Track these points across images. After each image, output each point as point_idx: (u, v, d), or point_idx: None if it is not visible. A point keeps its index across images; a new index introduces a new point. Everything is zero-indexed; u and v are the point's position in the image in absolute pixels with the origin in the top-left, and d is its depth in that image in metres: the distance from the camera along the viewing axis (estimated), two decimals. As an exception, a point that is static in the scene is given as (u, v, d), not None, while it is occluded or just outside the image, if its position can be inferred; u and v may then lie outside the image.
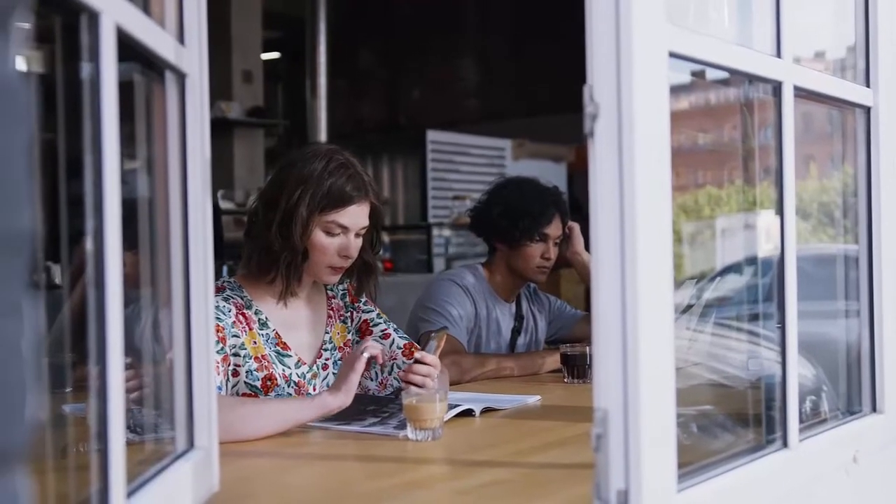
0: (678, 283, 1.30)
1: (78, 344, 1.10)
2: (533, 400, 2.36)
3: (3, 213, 0.59)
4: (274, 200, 2.17)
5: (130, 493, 1.09)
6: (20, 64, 0.62)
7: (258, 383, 2.16)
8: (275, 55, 10.02)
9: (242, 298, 2.22)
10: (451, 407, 2.05)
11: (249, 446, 1.87)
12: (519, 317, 3.14)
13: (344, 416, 2.05)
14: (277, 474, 1.70)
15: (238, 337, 2.15)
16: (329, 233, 2.18)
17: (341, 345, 2.36)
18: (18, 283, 0.60)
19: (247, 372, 2.15)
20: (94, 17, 0.99)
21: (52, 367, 1.23)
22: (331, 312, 2.37)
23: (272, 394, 2.17)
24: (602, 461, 1.18)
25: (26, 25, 0.65)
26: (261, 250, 2.19)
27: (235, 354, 2.13)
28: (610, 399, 1.17)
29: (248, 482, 1.62)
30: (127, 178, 1.13)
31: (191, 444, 1.37)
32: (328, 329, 2.34)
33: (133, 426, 1.29)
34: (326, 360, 2.32)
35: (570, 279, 6.43)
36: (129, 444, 1.07)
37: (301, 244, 2.16)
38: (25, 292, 0.61)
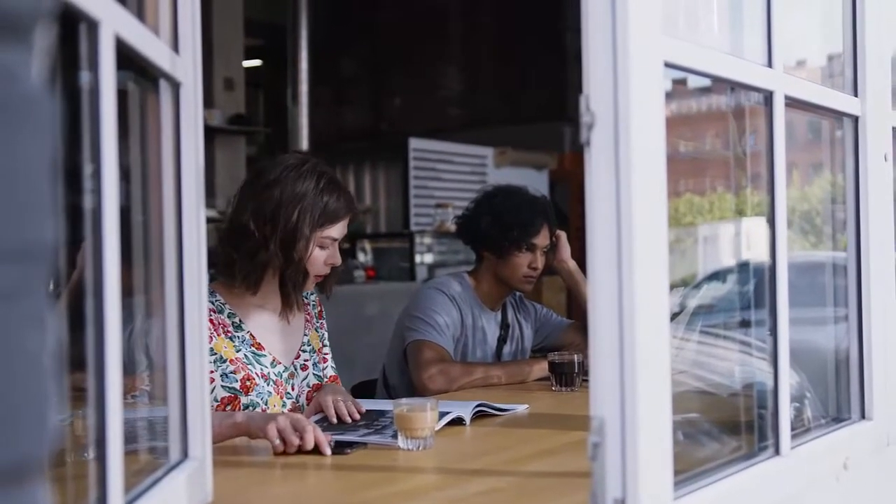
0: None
1: (69, 352, 1.10)
2: (522, 409, 2.36)
3: (28, 223, 0.59)
4: (270, 219, 2.22)
5: (127, 505, 1.08)
6: (44, 74, 0.62)
7: (237, 385, 2.20)
8: (256, 62, 10.00)
9: (213, 303, 2.26)
10: (442, 415, 2.05)
11: (243, 457, 1.86)
12: (505, 325, 3.14)
13: (338, 427, 2.05)
14: (270, 485, 1.70)
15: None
16: (322, 246, 2.28)
17: (318, 349, 2.44)
18: (41, 294, 0.60)
19: (222, 375, 2.19)
20: (93, 27, 0.98)
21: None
22: (307, 317, 2.44)
23: (253, 393, 2.21)
24: (599, 470, 1.18)
25: (48, 38, 0.65)
26: (257, 266, 2.24)
27: None
28: (606, 408, 1.17)
29: (241, 493, 1.61)
30: (120, 187, 1.13)
31: (185, 454, 1.36)
32: (306, 332, 2.42)
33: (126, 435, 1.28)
34: (305, 360, 2.38)
35: (553, 287, 6.44)
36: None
37: (305, 262, 2.25)
38: (47, 303, 0.61)
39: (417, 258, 7.28)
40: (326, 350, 2.50)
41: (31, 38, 0.60)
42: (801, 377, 1.88)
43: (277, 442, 1.83)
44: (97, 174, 1.00)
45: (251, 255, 2.23)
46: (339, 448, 1.86)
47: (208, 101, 7.20)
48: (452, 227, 3.31)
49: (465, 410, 2.15)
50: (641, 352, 1.16)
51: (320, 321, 2.50)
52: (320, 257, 2.28)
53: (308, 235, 2.23)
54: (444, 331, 2.89)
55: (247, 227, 2.23)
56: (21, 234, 0.58)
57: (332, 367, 2.49)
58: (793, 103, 1.59)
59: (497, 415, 2.25)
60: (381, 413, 2.19)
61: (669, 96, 1.49)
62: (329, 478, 1.74)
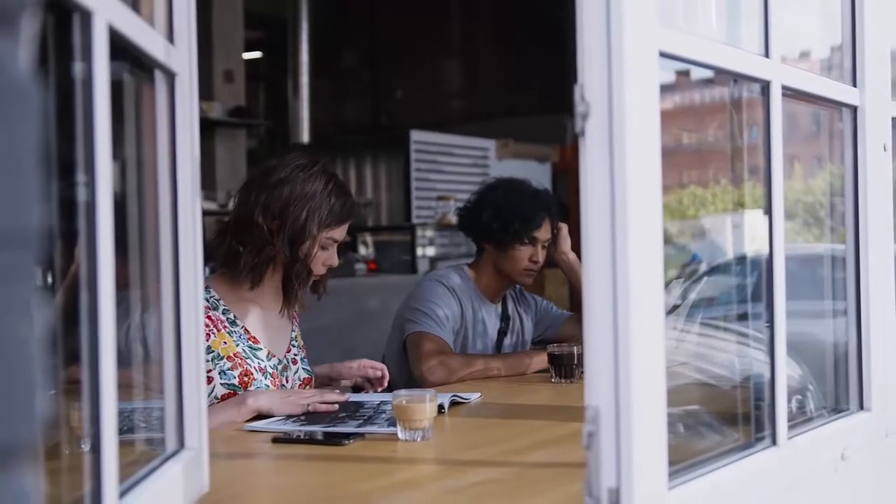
0: (665, 283, 1.31)
1: (65, 345, 1.10)
2: (475, 397, 2.37)
3: (14, 210, 0.59)
4: (278, 215, 2.26)
5: (122, 494, 1.09)
6: (30, 63, 0.62)
7: (235, 381, 2.23)
8: (257, 55, 10.00)
9: (208, 300, 2.27)
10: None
11: (239, 448, 1.87)
12: (505, 317, 3.14)
13: (326, 419, 2.05)
14: (267, 475, 1.70)
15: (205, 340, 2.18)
16: (324, 247, 2.32)
17: (301, 345, 2.49)
18: (28, 280, 0.60)
19: (220, 373, 2.22)
20: (86, 17, 0.98)
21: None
22: (294, 315, 2.48)
23: (251, 388, 2.24)
24: (593, 459, 1.18)
25: (34, 26, 0.65)
26: (263, 261, 2.27)
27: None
28: (601, 397, 1.18)
29: (237, 483, 1.62)
30: (116, 179, 1.13)
31: (181, 444, 1.37)
32: (294, 328, 2.46)
33: (122, 427, 1.29)
34: (295, 355, 2.43)
35: (555, 280, 6.44)
36: (119, 444, 1.07)
37: (310, 259, 2.29)
38: (34, 289, 0.62)
39: (419, 251, 7.28)
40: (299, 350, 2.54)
41: (17, 26, 0.60)
42: (804, 370, 1.88)
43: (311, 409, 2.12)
44: (90, 166, 1.00)
45: (257, 249, 2.27)
46: (336, 439, 1.86)
47: (208, 94, 7.20)
48: (454, 220, 3.31)
49: (444, 399, 2.17)
50: (636, 341, 1.16)
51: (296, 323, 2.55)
52: (321, 258, 2.33)
53: (315, 234, 2.28)
54: (444, 323, 2.89)
55: (254, 222, 2.26)
56: (8, 220, 0.58)
57: (303, 369, 2.51)
58: (790, 93, 1.59)
59: (464, 403, 2.28)
60: (360, 405, 2.20)
61: (672, 88, 1.49)
62: (327, 468, 1.74)
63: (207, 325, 2.21)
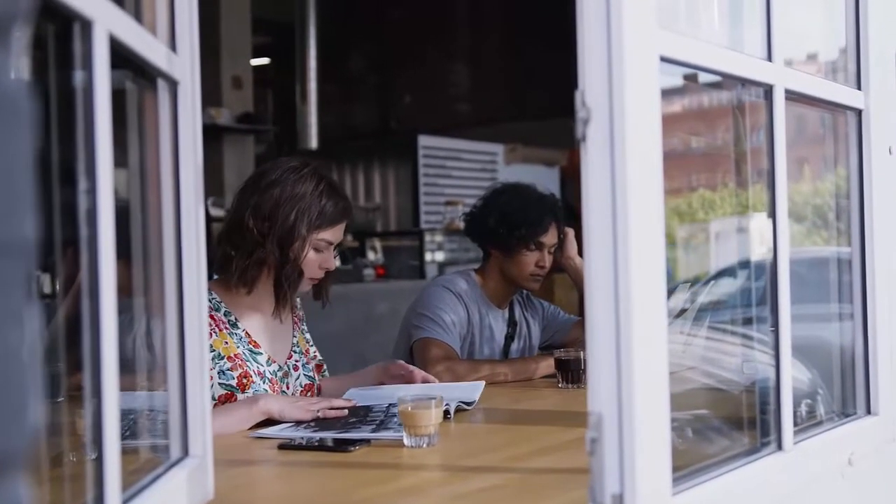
0: (672, 287, 1.31)
1: (71, 353, 1.10)
2: (478, 391, 2.37)
3: (7, 220, 0.59)
4: (268, 216, 2.26)
5: (125, 502, 1.09)
6: (22, 73, 0.62)
7: (234, 382, 2.24)
8: (264, 61, 10.00)
9: (210, 301, 2.28)
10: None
11: (244, 455, 1.87)
12: (512, 323, 3.13)
13: (337, 426, 2.05)
14: (272, 483, 1.70)
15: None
16: (317, 249, 2.32)
17: (305, 350, 2.48)
18: (20, 291, 0.61)
19: (220, 373, 2.22)
20: (86, 26, 0.98)
21: (44, 377, 1.22)
22: (296, 320, 2.49)
23: (249, 391, 2.24)
24: (597, 465, 1.18)
25: (26, 35, 0.65)
26: (254, 264, 2.28)
27: None
28: (604, 403, 1.17)
29: (242, 490, 1.62)
30: (118, 186, 1.13)
31: (185, 452, 1.37)
32: (295, 334, 2.46)
33: (126, 433, 1.29)
34: (296, 361, 2.43)
35: (564, 284, 6.43)
36: (123, 451, 1.07)
37: (300, 261, 2.29)
38: (27, 299, 0.62)
39: (427, 256, 7.28)
40: (314, 349, 2.54)
41: (8, 37, 0.60)
42: (813, 374, 1.87)
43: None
44: (92, 174, 1.00)
45: (248, 252, 2.27)
46: (343, 445, 1.86)
47: (216, 100, 7.20)
48: (462, 225, 3.31)
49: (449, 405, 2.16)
50: (638, 346, 1.16)
51: (304, 325, 2.54)
52: (315, 260, 2.32)
53: (305, 235, 2.27)
54: (451, 328, 2.89)
55: (245, 225, 2.26)
56: (0, 230, 0.58)
57: (304, 375, 2.49)
58: (794, 97, 1.59)
59: (468, 408, 2.27)
60: (369, 409, 2.20)
61: (681, 92, 1.49)
62: (332, 475, 1.74)
63: (209, 325, 2.22)
